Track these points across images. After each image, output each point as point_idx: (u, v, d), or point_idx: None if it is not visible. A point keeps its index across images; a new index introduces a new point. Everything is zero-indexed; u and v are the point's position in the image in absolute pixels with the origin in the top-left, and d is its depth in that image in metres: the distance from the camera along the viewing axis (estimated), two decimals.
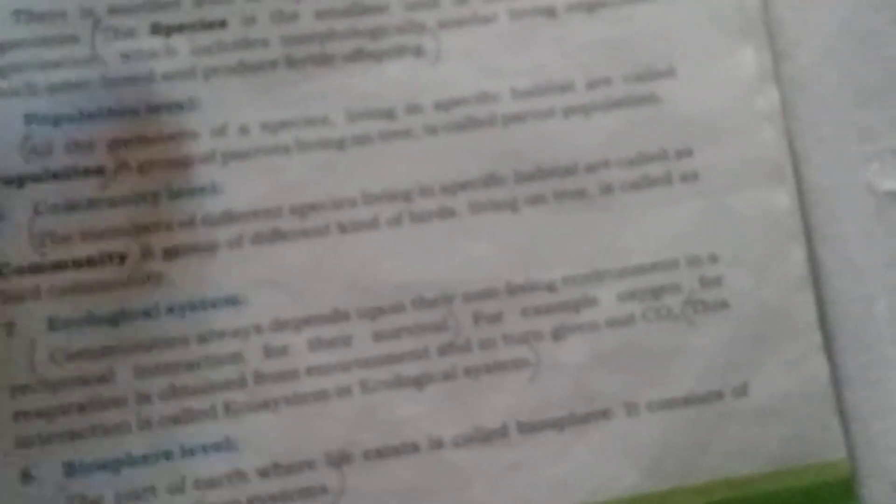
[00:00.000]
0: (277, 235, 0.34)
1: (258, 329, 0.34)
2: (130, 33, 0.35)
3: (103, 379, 0.33)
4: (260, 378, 0.34)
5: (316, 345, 0.34)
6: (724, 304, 0.35)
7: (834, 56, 0.37)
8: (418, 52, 0.36)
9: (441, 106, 0.36)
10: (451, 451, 0.34)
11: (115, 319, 0.34)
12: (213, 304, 0.34)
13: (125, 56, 0.35)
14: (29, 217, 0.34)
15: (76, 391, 0.33)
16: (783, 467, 0.35)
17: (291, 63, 0.35)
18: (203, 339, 0.34)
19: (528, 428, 0.35)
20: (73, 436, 0.33)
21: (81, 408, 0.33)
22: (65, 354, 0.33)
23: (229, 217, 0.34)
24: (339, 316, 0.34)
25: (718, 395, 0.35)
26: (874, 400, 0.36)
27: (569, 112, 0.36)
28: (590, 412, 0.35)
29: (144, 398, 0.33)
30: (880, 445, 0.36)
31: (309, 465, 0.34)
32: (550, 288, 0.35)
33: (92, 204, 0.34)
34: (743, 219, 0.36)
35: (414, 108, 0.35)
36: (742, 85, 0.37)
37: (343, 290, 0.35)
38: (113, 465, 0.33)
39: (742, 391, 0.35)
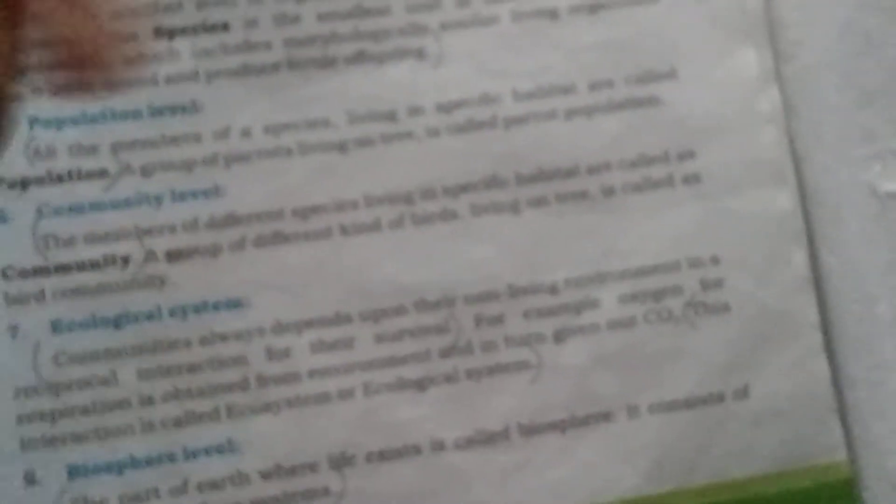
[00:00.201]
0: (280, 238, 0.35)
1: (260, 331, 0.34)
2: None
3: (106, 381, 0.33)
4: (262, 380, 0.34)
5: (318, 347, 0.34)
6: (725, 306, 0.36)
7: (836, 57, 0.37)
8: (420, 54, 0.36)
9: (443, 108, 0.36)
10: (453, 453, 0.34)
11: (118, 322, 0.34)
12: (216, 307, 0.34)
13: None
14: (32, 220, 0.34)
15: (79, 394, 0.33)
16: (784, 469, 0.35)
17: (293, 66, 0.35)
18: (206, 341, 0.34)
19: (529, 430, 0.35)
20: (77, 438, 0.33)
21: (85, 410, 0.33)
22: (68, 357, 0.33)
23: (232, 219, 0.34)
24: (341, 318, 0.34)
25: (719, 397, 0.35)
26: (876, 401, 0.36)
27: (571, 114, 0.36)
28: (591, 414, 0.35)
29: (147, 401, 0.34)
30: (882, 447, 0.36)
31: (311, 467, 0.34)
32: (552, 290, 0.35)
33: (95, 206, 0.34)
34: (744, 221, 0.36)
35: (416, 110, 0.36)
36: (744, 86, 0.37)
37: (345, 292, 0.35)
38: (116, 468, 0.33)
39: (743, 393, 0.35)
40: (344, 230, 0.35)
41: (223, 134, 0.35)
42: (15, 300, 0.33)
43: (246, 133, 0.35)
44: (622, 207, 0.36)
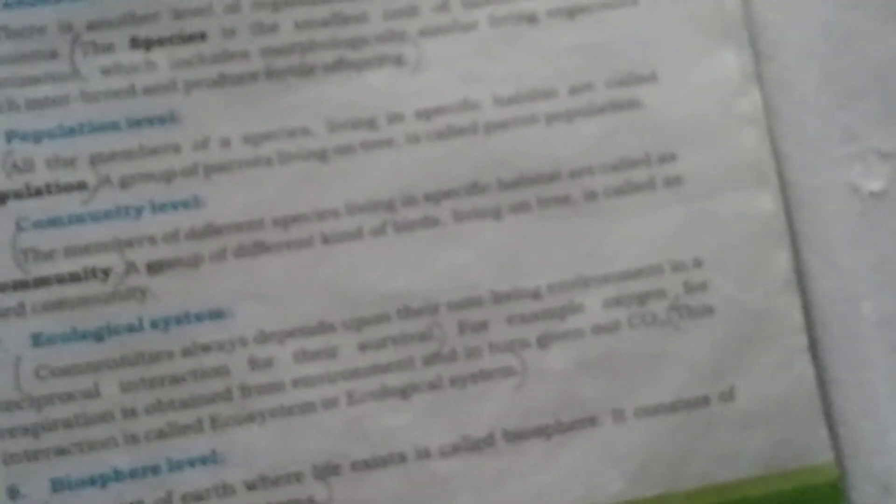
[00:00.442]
0: (261, 248, 0.34)
1: (243, 342, 0.34)
2: (110, 48, 0.35)
3: (89, 394, 0.33)
4: (246, 391, 0.34)
5: (301, 357, 0.34)
6: (709, 309, 0.35)
7: (816, 56, 0.37)
8: (399, 60, 0.36)
9: (422, 114, 0.35)
10: (438, 460, 0.34)
11: (99, 335, 0.34)
12: (198, 318, 0.34)
13: (105, 71, 0.35)
14: (11, 234, 0.34)
15: (62, 407, 0.33)
16: (770, 472, 0.35)
17: (272, 75, 0.35)
18: (188, 352, 0.34)
19: (514, 436, 0.35)
20: (60, 452, 0.33)
21: (67, 423, 0.33)
22: (50, 370, 0.33)
23: (212, 230, 0.34)
24: (324, 327, 0.34)
25: (705, 401, 0.35)
26: (862, 402, 0.36)
27: (551, 118, 0.36)
28: (576, 419, 0.35)
29: (130, 413, 0.33)
30: (869, 447, 0.36)
31: (296, 477, 0.34)
32: (535, 295, 0.35)
33: (75, 219, 0.34)
34: (727, 223, 0.36)
35: (395, 117, 0.35)
36: (724, 88, 0.37)
37: (328, 301, 0.34)
38: (100, 481, 0.33)
39: (728, 396, 0.35)
40: (325, 239, 0.35)
41: (202, 144, 0.35)
42: None
43: (225, 143, 0.35)
44: (604, 211, 0.36)
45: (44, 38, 0.35)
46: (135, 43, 0.35)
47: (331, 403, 0.34)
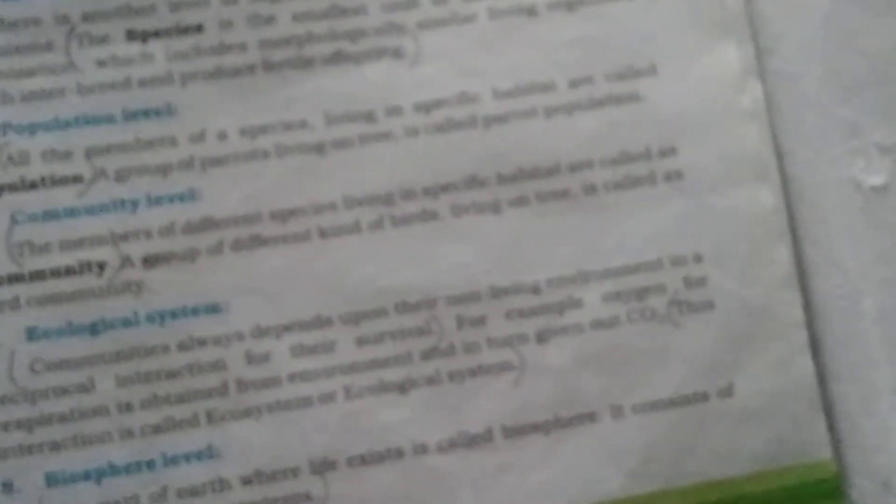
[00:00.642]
0: (258, 241, 0.34)
1: (240, 336, 0.34)
2: (105, 40, 0.35)
3: (84, 388, 0.33)
4: (242, 385, 0.34)
5: (298, 351, 0.34)
6: (708, 305, 0.35)
7: (818, 51, 0.37)
8: (397, 53, 0.36)
9: (421, 107, 0.35)
10: (436, 456, 0.34)
11: (94, 328, 0.33)
12: (194, 312, 0.34)
13: (101, 63, 0.34)
14: (6, 227, 0.33)
15: (56, 401, 0.33)
16: (769, 468, 0.35)
17: (269, 67, 0.35)
18: (184, 346, 0.34)
19: (512, 432, 0.34)
20: (55, 446, 0.33)
21: (62, 418, 0.33)
22: (44, 364, 0.33)
23: (209, 224, 0.34)
24: (321, 322, 0.34)
25: (704, 397, 0.35)
26: (862, 398, 0.36)
27: (551, 112, 0.36)
28: (575, 415, 0.35)
29: (125, 407, 0.33)
30: (869, 444, 0.36)
31: (293, 472, 0.34)
32: (534, 290, 0.35)
33: (70, 212, 0.34)
34: (727, 217, 0.36)
35: (394, 111, 0.35)
36: (725, 82, 0.36)
37: (325, 295, 0.34)
38: (95, 475, 0.33)
39: (727, 392, 0.35)
40: (323, 232, 0.35)
41: (199, 137, 0.34)
42: None
43: (222, 136, 0.35)
44: (604, 206, 0.36)
45: (39, 30, 0.34)
46: (131, 35, 0.35)
47: (328, 398, 0.34)
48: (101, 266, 0.34)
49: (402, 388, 0.34)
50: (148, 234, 0.34)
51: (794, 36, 0.37)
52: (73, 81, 0.34)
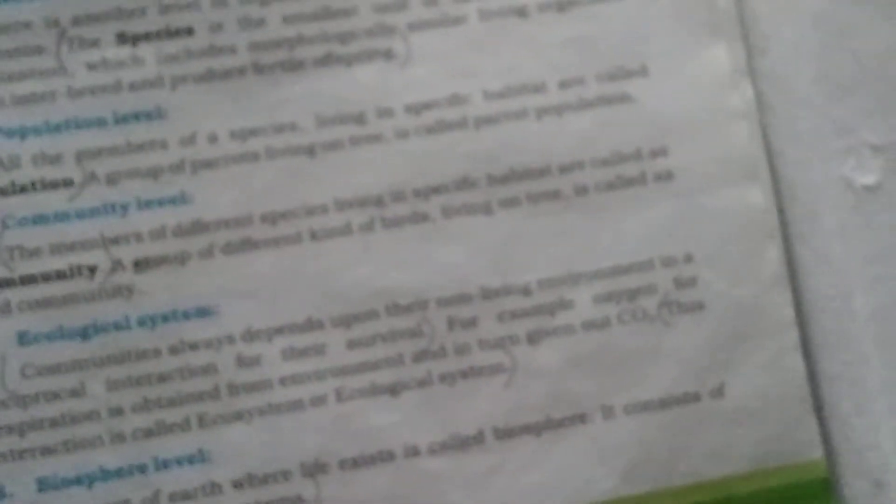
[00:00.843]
0: (248, 244, 0.34)
1: (231, 339, 0.34)
2: (96, 43, 0.35)
3: (75, 393, 0.33)
4: (233, 389, 0.34)
5: (289, 354, 0.34)
6: (699, 305, 0.35)
7: (809, 50, 0.37)
8: (388, 55, 0.35)
9: (412, 109, 0.35)
10: (427, 458, 0.34)
11: (86, 333, 0.33)
12: (185, 315, 0.34)
13: (91, 66, 0.34)
14: None
15: (48, 406, 0.33)
16: (761, 468, 0.35)
17: (259, 69, 0.35)
18: (175, 350, 0.34)
19: (504, 434, 0.34)
20: (46, 451, 0.33)
21: (53, 422, 0.33)
22: (36, 369, 0.33)
23: (199, 227, 0.34)
24: (312, 324, 0.34)
25: (695, 397, 0.35)
26: (854, 397, 0.36)
27: (541, 113, 0.36)
28: (566, 416, 0.35)
29: (117, 411, 0.33)
30: (861, 443, 0.36)
31: (284, 475, 0.34)
32: (525, 291, 0.35)
33: (61, 216, 0.34)
34: (718, 218, 0.36)
35: (384, 112, 0.35)
36: (715, 82, 0.36)
37: (316, 298, 0.34)
38: (86, 480, 0.33)
39: (719, 392, 0.35)
40: (314, 235, 0.34)
41: (189, 140, 0.34)
42: None
43: (212, 139, 0.35)
44: (595, 206, 0.36)
45: (29, 34, 0.34)
46: (121, 38, 0.35)
47: (319, 401, 0.34)
48: (92, 270, 0.34)
49: (394, 390, 0.34)
50: (139, 238, 0.34)
51: (786, 36, 0.37)
52: (63, 85, 0.34)
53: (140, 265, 0.34)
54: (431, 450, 0.34)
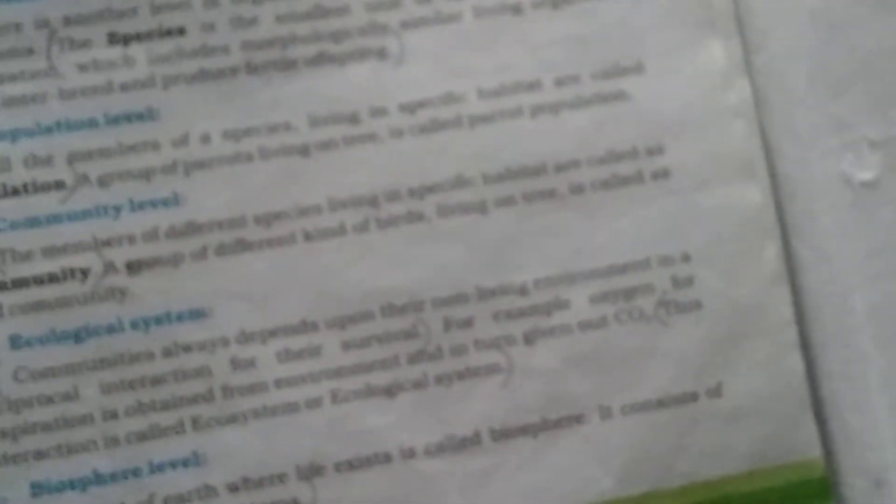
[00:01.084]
0: (242, 246, 0.34)
1: (225, 342, 0.34)
2: (87, 44, 0.34)
3: (68, 397, 0.33)
4: (228, 391, 0.33)
5: (284, 356, 0.34)
6: (696, 304, 0.35)
7: (806, 46, 0.37)
8: (381, 53, 0.35)
9: (406, 108, 0.35)
10: (424, 460, 0.34)
11: (78, 336, 0.33)
12: (179, 318, 0.34)
13: (82, 67, 0.34)
14: None
15: (41, 410, 0.33)
16: (759, 467, 0.35)
17: (252, 69, 0.35)
18: (169, 353, 0.33)
19: (500, 435, 0.34)
20: (40, 455, 0.33)
21: (47, 427, 0.33)
22: (28, 373, 0.33)
23: (193, 228, 0.34)
24: (307, 326, 0.34)
25: (693, 397, 0.35)
26: (853, 396, 0.36)
27: (537, 111, 0.35)
28: (563, 417, 0.34)
29: (111, 415, 0.33)
30: (860, 442, 0.36)
31: (280, 478, 0.33)
32: (522, 291, 0.35)
33: (52, 219, 0.33)
34: (715, 216, 0.35)
35: (378, 112, 0.35)
36: (712, 79, 0.36)
37: (310, 299, 0.34)
38: (80, 484, 0.33)
39: (716, 392, 0.35)
40: (308, 236, 0.34)
41: (182, 141, 0.34)
42: None
43: (205, 139, 0.34)
44: (591, 205, 0.35)
45: (20, 35, 0.34)
46: (113, 38, 0.34)
47: (314, 403, 0.34)
48: (85, 273, 0.33)
49: (389, 391, 0.34)
50: (131, 240, 0.34)
51: (782, 32, 0.37)
52: (54, 86, 0.34)
53: (133, 267, 0.34)
54: (428, 451, 0.34)
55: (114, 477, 0.33)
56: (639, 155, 0.35)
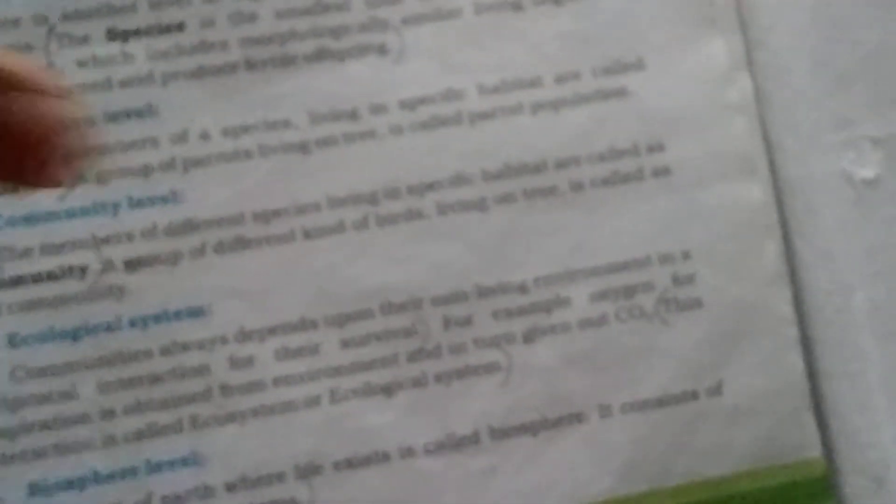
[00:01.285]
0: (241, 243, 0.34)
1: (223, 340, 0.33)
2: (85, 40, 0.34)
3: (66, 395, 0.33)
4: (226, 390, 0.33)
5: (283, 354, 0.34)
6: (697, 302, 0.35)
7: (808, 43, 0.37)
8: (381, 50, 0.35)
9: (406, 105, 0.35)
10: (423, 459, 0.34)
11: (76, 334, 0.33)
12: (177, 316, 0.33)
13: (81, 63, 0.34)
14: None
15: (39, 409, 0.33)
16: (759, 466, 0.35)
17: (251, 65, 0.35)
18: (167, 351, 0.33)
19: (500, 434, 0.34)
20: (37, 454, 0.33)
21: (44, 426, 0.33)
22: (26, 371, 0.33)
23: (191, 226, 0.34)
24: (305, 324, 0.34)
25: (693, 395, 0.35)
26: (854, 394, 0.36)
27: (537, 108, 0.35)
28: (563, 416, 0.34)
29: (108, 414, 0.33)
30: (860, 440, 0.35)
31: (278, 477, 0.33)
32: (522, 289, 0.35)
33: (51, 217, 0.33)
34: (716, 214, 0.35)
35: (378, 108, 0.35)
36: (713, 76, 0.36)
37: (309, 297, 0.34)
38: (78, 484, 0.33)
39: (716, 390, 0.35)
40: (307, 233, 0.34)
41: (181, 137, 0.34)
42: None
43: (204, 136, 0.34)
44: (591, 202, 0.35)
45: (18, 31, 0.34)
46: (111, 34, 0.34)
47: (313, 402, 0.34)
48: (83, 271, 0.33)
49: (388, 390, 0.34)
50: (130, 238, 0.33)
51: (784, 28, 0.37)
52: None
53: (131, 265, 0.33)
54: (427, 450, 0.34)
55: (111, 476, 0.33)
56: (639, 152, 0.35)
